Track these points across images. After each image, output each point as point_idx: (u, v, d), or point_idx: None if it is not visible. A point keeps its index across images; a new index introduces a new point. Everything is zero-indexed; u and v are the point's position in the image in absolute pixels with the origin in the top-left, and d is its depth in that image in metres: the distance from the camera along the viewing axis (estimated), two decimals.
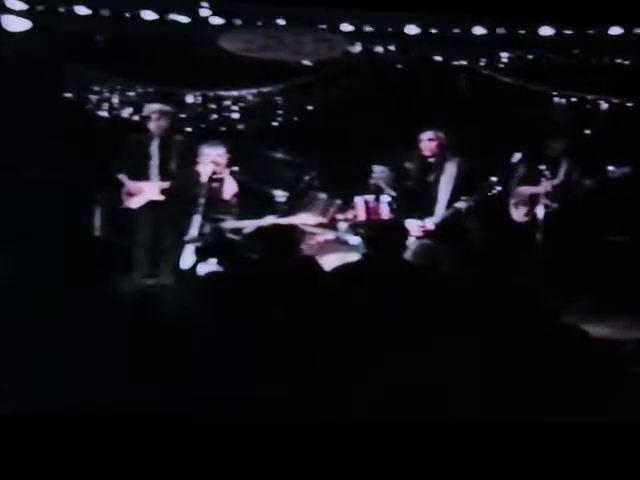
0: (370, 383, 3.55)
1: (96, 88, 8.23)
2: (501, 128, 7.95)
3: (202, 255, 6.40)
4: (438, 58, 8.44)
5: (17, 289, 4.07)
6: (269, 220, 6.58)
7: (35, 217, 6.88)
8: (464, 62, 8.48)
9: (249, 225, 6.55)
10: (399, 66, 8.44)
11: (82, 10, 7.71)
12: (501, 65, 8.44)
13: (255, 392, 3.46)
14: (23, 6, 7.60)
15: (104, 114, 8.29)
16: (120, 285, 4.96)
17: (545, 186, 7.52)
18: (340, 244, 7.21)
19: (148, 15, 7.81)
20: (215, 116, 8.45)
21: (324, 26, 7.98)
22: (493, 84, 8.38)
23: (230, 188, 6.72)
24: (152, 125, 7.28)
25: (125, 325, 3.83)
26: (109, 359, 3.56)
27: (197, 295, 5.92)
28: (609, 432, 3.41)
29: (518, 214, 7.73)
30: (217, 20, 7.85)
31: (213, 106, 8.43)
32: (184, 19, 7.87)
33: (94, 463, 3.25)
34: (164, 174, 7.16)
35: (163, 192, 7.07)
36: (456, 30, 8.04)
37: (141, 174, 7.21)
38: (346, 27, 8.01)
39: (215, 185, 6.67)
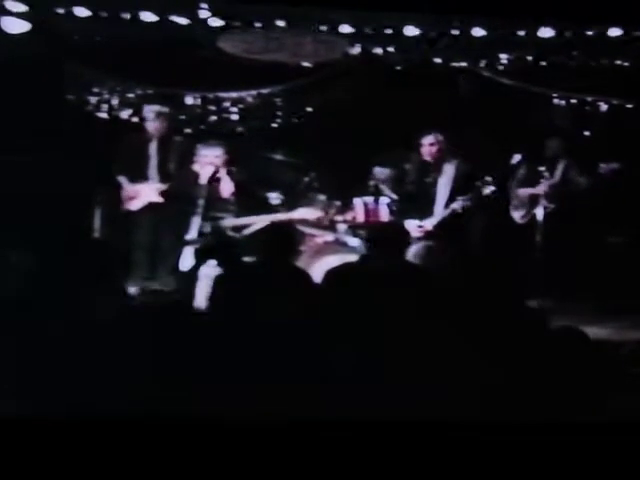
0: (370, 383, 3.56)
1: (96, 89, 8.26)
2: (501, 129, 7.97)
3: (202, 256, 6.38)
4: (437, 60, 8.47)
5: (16, 290, 4.06)
6: (269, 216, 6.56)
7: (34, 218, 6.89)
8: (464, 63, 8.52)
9: (249, 222, 6.53)
10: (398, 67, 8.47)
11: (81, 11, 7.72)
12: (501, 67, 8.47)
13: (255, 392, 3.46)
14: (23, 8, 7.59)
15: (104, 115, 8.32)
16: (120, 286, 4.96)
17: (543, 187, 7.52)
18: (339, 245, 7.21)
19: (147, 16, 7.81)
20: (214, 117, 8.48)
21: (324, 28, 7.98)
22: (493, 85, 8.42)
23: (228, 187, 6.70)
24: (151, 126, 7.30)
25: (125, 325, 3.84)
26: (109, 360, 3.56)
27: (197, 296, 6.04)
28: (609, 433, 3.41)
29: (517, 215, 7.76)
30: (216, 22, 7.85)
31: (213, 107, 8.47)
32: (183, 20, 7.87)
33: (95, 463, 3.26)
34: (163, 175, 7.18)
35: (162, 194, 7.09)
36: (455, 32, 8.05)
37: (140, 175, 7.23)
38: (345, 29, 8.02)
39: (213, 185, 6.66)
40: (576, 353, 4.06)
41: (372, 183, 7.57)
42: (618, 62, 8.28)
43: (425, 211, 7.05)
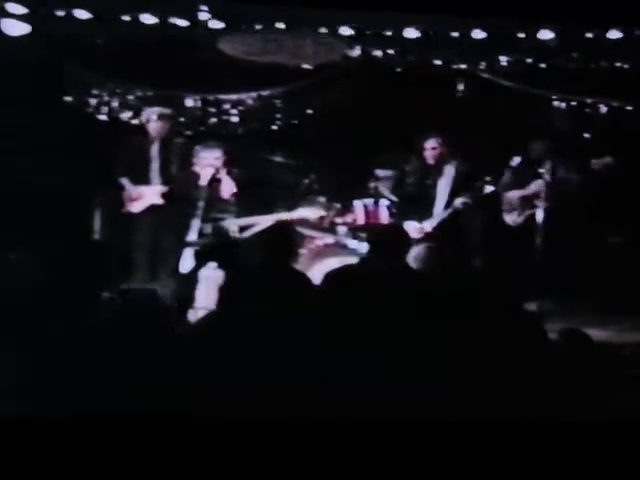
0: (370, 383, 3.57)
1: (95, 91, 8.26)
2: (500, 131, 7.96)
3: (202, 258, 6.39)
4: (437, 61, 8.47)
5: (17, 290, 4.06)
6: (271, 216, 6.56)
7: (34, 220, 6.89)
8: (463, 65, 8.52)
9: (250, 222, 6.53)
10: (398, 69, 8.48)
11: (81, 14, 7.73)
12: (500, 69, 8.47)
13: (255, 392, 3.46)
14: (23, 10, 7.60)
15: (103, 117, 8.31)
16: (120, 287, 4.97)
17: (537, 188, 7.42)
18: (339, 248, 7.22)
19: (147, 18, 7.81)
20: (214, 119, 8.49)
21: (324, 29, 8.00)
22: (492, 87, 8.42)
23: (228, 188, 6.70)
24: (152, 128, 7.29)
25: (125, 326, 3.84)
26: (109, 360, 3.56)
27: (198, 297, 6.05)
28: (609, 433, 3.42)
29: (510, 219, 7.67)
30: (216, 23, 7.86)
31: (213, 109, 8.48)
32: (183, 22, 7.88)
33: (95, 463, 3.26)
34: (165, 177, 7.18)
35: (163, 196, 7.08)
36: (455, 34, 8.07)
37: (142, 177, 7.22)
38: (345, 30, 8.04)
39: (214, 186, 6.67)
40: (576, 354, 4.07)
41: (372, 185, 7.59)
42: (618, 64, 8.29)
43: (425, 212, 7.08)
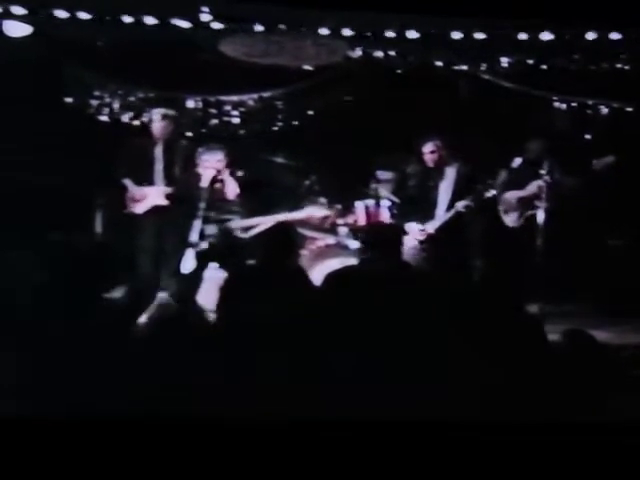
0: (370, 383, 3.57)
1: (97, 93, 8.27)
2: (501, 133, 7.96)
3: (204, 259, 6.40)
4: (438, 63, 8.48)
5: (18, 291, 4.07)
6: (274, 217, 6.56)
7: (36, 221, 6.91)
8: (464, 67, 8.53)
9: (254, 223, 6.53)
10: (399, 71, 8.48)
11: (83, 15, 7.72)
12: (501, 70, 8.46)
13: (255, 392, 3.47)
14: (24, 11, 7.61)
15: (104, 119, 8.32)
16: (121, 289, 4.98)
17: (537, 189, 7.40)
18: (341, 249, 7.22)
19: (149, 20, 7.81)
20: (216, 121, 8.50)
21: (325, 31, 7.98)
22: (493, 89, 8.42)
23: (230, 189, 6.71)
24: (156, 129, 7.27)
25: (125, 326, 3.85)
26: (109, 360, 3.57)
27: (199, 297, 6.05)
28: (609, 433, 3.42)
29: (509, 220, 7.66)
30: (218, 25, 7.85)
31: (214, 111, 8.49)
32: (185, 24, 7.87)
33: (95, 463, 3.26)
34: (169, 179, 7.15)
35: (166, 197, 7.07)
36: (456, 35, 8.04)
37: (145, 179, 7.19)
38: (347, 32, 8.03)
39: (217, 187, 6.67)
40: (576, 355, 4.07)
41: (373, 186, 7.59)
42: (618, 65, 8.28)
43: (426, 214, 7.06)
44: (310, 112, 8.52)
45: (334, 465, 3.23)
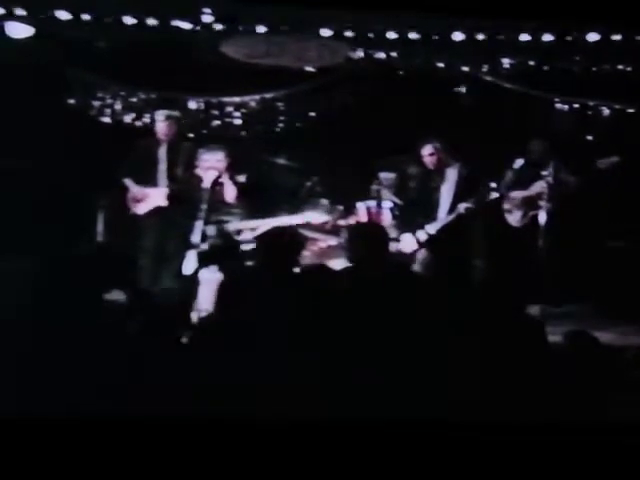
0: (370, 383, 3.58)
1: (99, 94, 8.30)
2: (503, 134, 7.98)
3: (204, 260, 6.40)
4: (440, 64, 8.48)
5: (19, 291, 4.08)
6: (273, 220, 6.51)
7: (37, 221, 6.93)
8: (466, 68, 8.53)
9: (253, 226, 6.52)
10: (401, 72, 8.49)
11: (85, 17, 7.73)
12: (503, 71, 8.48)
13: (255, 392, 3.47)
14: (26, 13, 7.62)
15: (107, 120, 8.35)
16: (121, 289, 4.98)
17: (539, 189, 7.43)
18: (342, 250, 7.21)
19: (150, 21, 7.81)
20: (217, 122, 8.51)
21: (327, 32, 7.98)
22: (495, 90, 8.43)
23: (231, 191, 6.71)
24: (160, 130, 7.27)
25: (125, 327, 3.86)
26: (110, 360, 3.57)
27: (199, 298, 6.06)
28: (609, 433, 3.42)
29: (513, 219, 7.68)
30: (220, 26, 7.85)
31: (216, 112, 8.50)
32: (187, 25, 7.87)
33: (94, 463, 3.27)
34: (172, 180, 7.15)
35: (168, 198, 7.07)
36: (458, 36, 8.03)
37: (148, 179, 7.21)
38: (348, 33, 8.02)
39: (217, 189, 6.67)
40: (577, 355, 4.07)
41: (375, 187, 7.60)
42: (620, 67, 8.29)
43: (428, 216, 7.04)
44: (312, 113, 8.53)
45: (334, 465, 3.24)
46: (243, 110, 8.53)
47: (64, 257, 4.41)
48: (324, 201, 7.51)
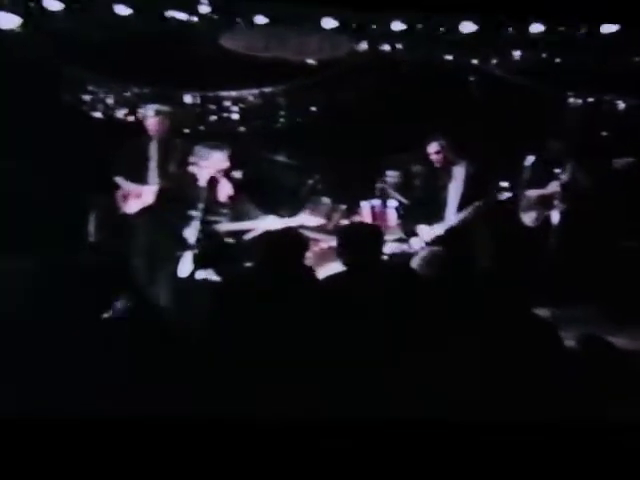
0: (370, 383, 3.71)
1: (91, 88, 8.31)
2: (513, 129, 8.01)
3: (200, 261, 6.46)
4: (447, 57, 8.49)
5: (16, 291, 4.22)
6: (266, 222, 6.58)
7: (29, 220, 6.97)
8: (474, 61, 8.56)
9: (248, 227, 6.60)
10: (406, 65, 8.44)
11: (77, 8, 7.72)
12: (513, 65, 8.49)
13: (255, 392, 3.61)
14: (17, 5, 7.65)
15: (99, 115, 8.37)
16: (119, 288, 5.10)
17: (555, 188, 7.57)
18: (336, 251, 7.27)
19: (145, 12, 7.80)
20: (214, 117, 8.52)
21: (329, 24, 7.95)
22: (504, 85, 8.45)
23: (225, 189, 6.77)
24: (150, 126, 7.33)
25: (126, 326, 3.99)
26: (110, 360, 3.71)
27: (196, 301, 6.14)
28: (609, 433, 3.55)
29: (528, 219, 7.82)
30: (218, 18, 7.86)
31: (212, 107, 8.51)
32: (183, 16, 7.85)
33: (94, 463, 3.40)
34: (162, 177, 7.19)
35: (159, 196, 7.06)
36: (466, 28, 8.03)
37: (139, 177, 7.25)
38: (351, 25, 8.00)
39: (213, 187, 6.72)
40: (591, 358, 4.21)
41: (379, 186, 7.68)
42: (636, 59, 8.31)
43: (435, 215, 7.13)
44: (313, 108, 8.55)
45: (334, 465, 3.36)
46: (241, 105, 8.52)
47: (63, 257, 4.53)
48: (326, 200, 7.58)
